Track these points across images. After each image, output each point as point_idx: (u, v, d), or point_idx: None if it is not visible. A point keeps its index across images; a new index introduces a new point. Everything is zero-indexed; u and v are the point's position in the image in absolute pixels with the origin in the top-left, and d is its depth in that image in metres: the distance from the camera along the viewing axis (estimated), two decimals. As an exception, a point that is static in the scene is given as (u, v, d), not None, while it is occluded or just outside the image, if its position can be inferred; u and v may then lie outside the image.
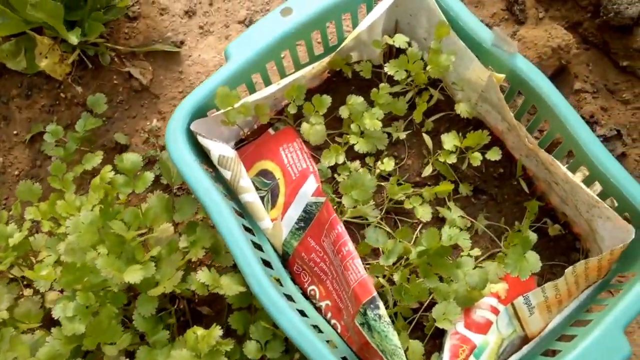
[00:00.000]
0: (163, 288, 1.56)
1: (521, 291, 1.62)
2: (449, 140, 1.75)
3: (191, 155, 1.60)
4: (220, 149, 1.68)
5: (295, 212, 1.75)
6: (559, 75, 2.13)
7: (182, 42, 2.27)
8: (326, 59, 1.82)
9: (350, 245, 1.60)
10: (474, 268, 1.56)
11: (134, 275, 1.51)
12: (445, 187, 1.72)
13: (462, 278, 1.54)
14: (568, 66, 2.13)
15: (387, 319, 1.50)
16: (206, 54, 2.25)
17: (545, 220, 1.81)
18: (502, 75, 1.66)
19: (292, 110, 1.76)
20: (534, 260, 1.51)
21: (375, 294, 1.53)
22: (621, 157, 2.04)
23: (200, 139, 1.66)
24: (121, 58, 2.22)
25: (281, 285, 1.69)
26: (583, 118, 1.97)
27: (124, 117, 2.18)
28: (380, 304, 1.52)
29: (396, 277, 1.58)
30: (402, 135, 1.85)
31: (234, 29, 2.27)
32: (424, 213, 1.71)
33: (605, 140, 2.03)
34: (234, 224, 1.54)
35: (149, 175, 1.72)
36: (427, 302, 1.63)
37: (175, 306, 1.79)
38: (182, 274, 1.59)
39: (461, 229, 1.57)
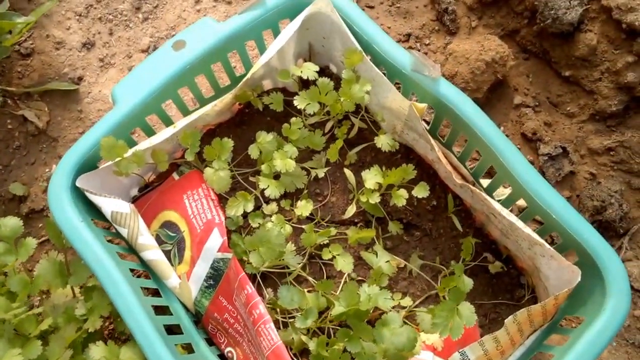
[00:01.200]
0: (50, 371, 1.39)
1: (461, 339, 1.46)
2: (371, 178, 1.59)
3: (78, 216, 1.42)
4: (112, 205, 1.50)
5: (202, 269, 1.58)
6: (497, 90, 1.98)
7: (80, 78, 2.08)
8: (229, 95, 1.64)
9: (262, 308, 1.43)
10: (404, 324, 1.39)
11: (9, 364, 1.34)
12: (366, 233, 1.55)
13: (388, 338, 1.37)
14: (506, 79, 1.98)
15: None
16: (107, 89, 2.06)
17: (486, 256, 1.65)
18: (424, 105, 1.50)
19: (189, 157, 1.59)
20: (468, 314, 1.35)
21: (290, 364, 1.36)
22: (569, 176, 1.89)
23: (89, 195, 1.48)
24: (15, 100, 2.04)
25: (192, 351, 1.51)
26: (525, 136, 1.84)
27: (21, 165, 1.99)
28: (297, 376, 1.36)
29: (312, 346, 1.41)
30: (321, 173, 1.68)
31: (137, 59, 2.10)
32: (344, 264, 1.54)
33: (550, 158, 1.87)
34: (128, 292, 1.37)
35: (31, 242, 1.54)
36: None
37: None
38: (72, 352, 1.43)
39: (390, 276, 1.43)
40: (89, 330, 1.47)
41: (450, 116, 1.51)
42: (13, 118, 2.02)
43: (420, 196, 1.57)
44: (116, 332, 1.69)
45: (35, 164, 1.99)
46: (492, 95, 1.97)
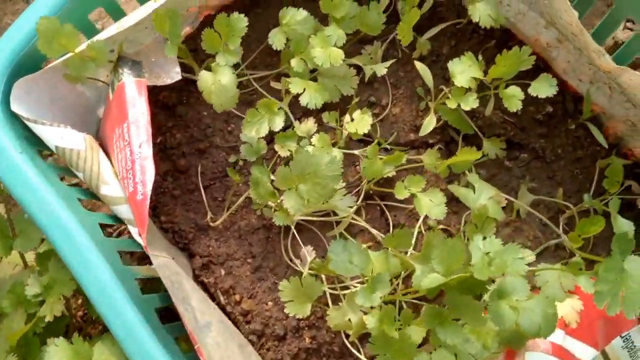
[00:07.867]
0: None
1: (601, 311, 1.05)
2: (462, 70, 1.17)
3: (16, 144, 1.07)
4: (57, 136, 1.12)
5: None
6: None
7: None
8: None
9: None
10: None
11: None
12: (466, 155, 1.12)
13: (509, 317, 0.90)
14: None
15: None
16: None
17: (630, 185, 1.26)
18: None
19: (170, 52, 1.12)
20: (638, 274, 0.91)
21: None
22: None
23: (27, 122, 1.11)
24: None
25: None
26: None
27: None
28: None
29: (371, 323, 0.99)
30: (383, 70, 1.27)
31: None
32: (431, 207, 1.14)
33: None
34: (97, 260, 1.02)
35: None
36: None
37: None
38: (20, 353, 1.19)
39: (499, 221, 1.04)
40: (46, 319, 1.19)
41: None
42: None
43: (543, 95, 1.17)
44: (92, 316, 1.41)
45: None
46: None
